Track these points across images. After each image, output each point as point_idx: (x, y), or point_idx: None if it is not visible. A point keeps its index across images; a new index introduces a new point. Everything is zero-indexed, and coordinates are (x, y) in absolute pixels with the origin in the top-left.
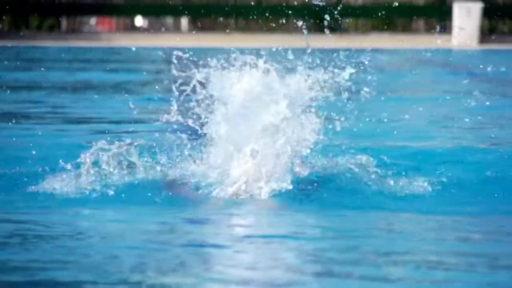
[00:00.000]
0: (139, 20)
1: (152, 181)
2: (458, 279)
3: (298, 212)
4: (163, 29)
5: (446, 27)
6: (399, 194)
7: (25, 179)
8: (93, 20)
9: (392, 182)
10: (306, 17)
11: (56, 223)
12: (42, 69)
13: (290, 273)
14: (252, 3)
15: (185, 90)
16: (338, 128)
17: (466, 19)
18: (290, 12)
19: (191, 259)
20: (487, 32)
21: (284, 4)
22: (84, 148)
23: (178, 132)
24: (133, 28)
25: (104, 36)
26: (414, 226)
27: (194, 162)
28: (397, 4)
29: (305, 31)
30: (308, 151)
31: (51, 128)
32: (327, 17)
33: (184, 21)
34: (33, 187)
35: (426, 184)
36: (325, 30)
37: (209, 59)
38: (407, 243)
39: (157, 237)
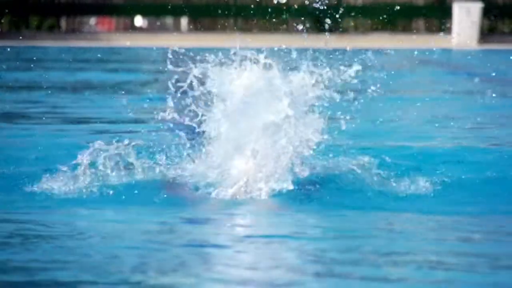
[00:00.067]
0: (138, 20)
1: (152, 181)
2: (459, 279)
3: (299, 212)
4: (158, 25)
5: (446, 29)
6: (399, 194)
7: (25, 179)
8: (92, 20)
9: (392, 182)
10: (306, 18)
11: (56, 223)
12: (42, 69)
13: (290, 273)
14: (252, 4)
15: (182, 87)
16: (344, 127)
17: (465, 19)
18: (290, 12)
19: (191, 259)
20: (487, 32)
21: (284, 2)
22: (84, 148)
23: (178, 131)
24: (133, 28)
25: (103, 36)
26: (415, 226)
27: (194, 161)
28: (397, 4)
29: (328, 31)
30: (311, 152)
31: (51, 128)
32: (327, 17)
33: (184, 21)
34: (33, 187)
35: (426, 184)
36: (325, 30)
37: (207, 54)
38: (407, 243)
39: (157, 237)
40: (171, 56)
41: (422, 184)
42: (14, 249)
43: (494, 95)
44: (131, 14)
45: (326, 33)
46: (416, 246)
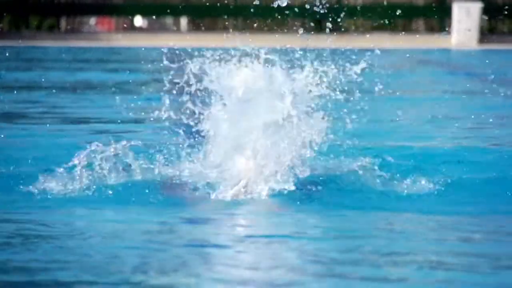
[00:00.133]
0: (138, 20)
1: (152, 181)
2: (459, 279)
3: (299, 212)
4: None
5: (446, 29)
6: (399, 194)
7: (25, 179)
8: (92, 20)
9: (392, 182)
10: (306, 18)
11: (56, 223)
12: (42, 69)
13: (291, 273)
14: (252, 4)
15: (178, 84)
16: (346, 128)
17: (465, 19)
18: (290, 12)
19: (192, 259)
20: (487, 32)
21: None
22: (84, 148)
23: (179, 131)
24: (133, 28)
25: (103, 36)
26: (415, 226)
27: (194, 161)
28: (397, 4)
29: (328, 31)
30: (314, 153)
31: (51, 128)
32: (327, 17)
33: (184, 21)
34: (33, 187)
35: (426, 184)
36: (325, 30)
37: (205, 50)
38: (407, 243)
39: (158, 237)
40: (166, 51)
41: (422, 184)
42: (14, 249)
43: (494, 95)
44: (131, 14)
45: (326, 33)
46: (416, 246)
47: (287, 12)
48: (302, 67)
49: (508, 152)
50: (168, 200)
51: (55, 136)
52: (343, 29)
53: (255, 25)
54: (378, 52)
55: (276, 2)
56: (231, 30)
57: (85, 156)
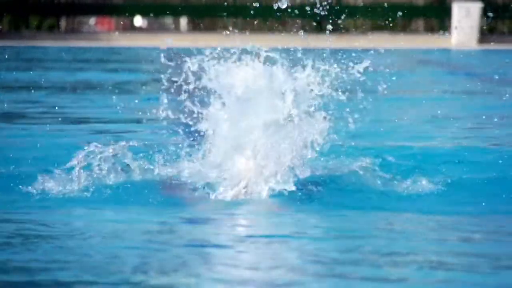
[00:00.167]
0: (138, 20)
1: (152, 181)
2: (459, 279)
3: (299, 212)
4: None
5: (446, 29)
6: (399, 194)
7: (25, 179)
8: (92, 20)
9: (392, 182)
10: (306, 18)
11: (56, 223)
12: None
13: (290, 273)
14: (252, 4)
15: (177, 83)
16: (347, 128)
17: (465, 19)
18: (290, 12)
19: (192, 259)
20: (487, 32)
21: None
22: (84, 148)
23: (178, 130)
24: (133, 28)
25: (103, 36)
26: (415, 226)
27: (193, 161)
28: (397, 4)
29: (328, 31)
30: (315, 154)
31: (50, 128)
32: (327, 18)
33: (184, 21)
34: (33, 187)
35: (426, 184)
36: (325, 30)
37: (204, 48)
38: (407, 243)
39: (158, 237)
40: (164, 49)
41: (422, 184)
42: (14, 249)
43: (494, 95)
44: (131, 14)
45: (327, 33)
46: (416, 246)
47: (289, 10)
48: (303, 66)
49: (508, 152)
50: (168, 200)
51: (55, 136)
52: (343, 30)
53: (255, 23)
54: (382, 50)
55: (276, 4)
56: (230, 28)
57: (85, 156)
